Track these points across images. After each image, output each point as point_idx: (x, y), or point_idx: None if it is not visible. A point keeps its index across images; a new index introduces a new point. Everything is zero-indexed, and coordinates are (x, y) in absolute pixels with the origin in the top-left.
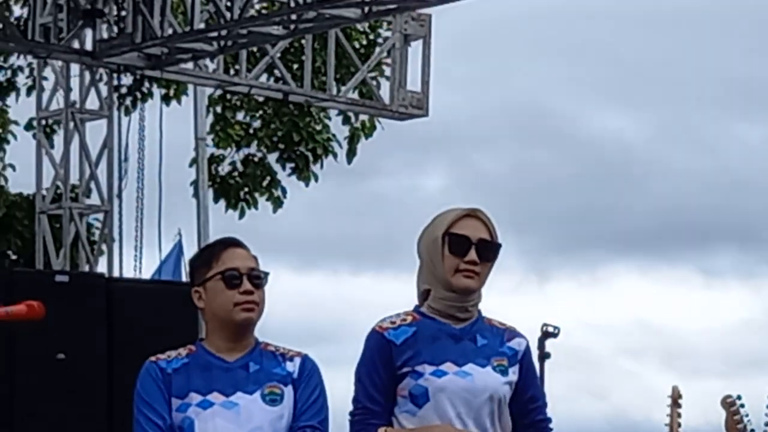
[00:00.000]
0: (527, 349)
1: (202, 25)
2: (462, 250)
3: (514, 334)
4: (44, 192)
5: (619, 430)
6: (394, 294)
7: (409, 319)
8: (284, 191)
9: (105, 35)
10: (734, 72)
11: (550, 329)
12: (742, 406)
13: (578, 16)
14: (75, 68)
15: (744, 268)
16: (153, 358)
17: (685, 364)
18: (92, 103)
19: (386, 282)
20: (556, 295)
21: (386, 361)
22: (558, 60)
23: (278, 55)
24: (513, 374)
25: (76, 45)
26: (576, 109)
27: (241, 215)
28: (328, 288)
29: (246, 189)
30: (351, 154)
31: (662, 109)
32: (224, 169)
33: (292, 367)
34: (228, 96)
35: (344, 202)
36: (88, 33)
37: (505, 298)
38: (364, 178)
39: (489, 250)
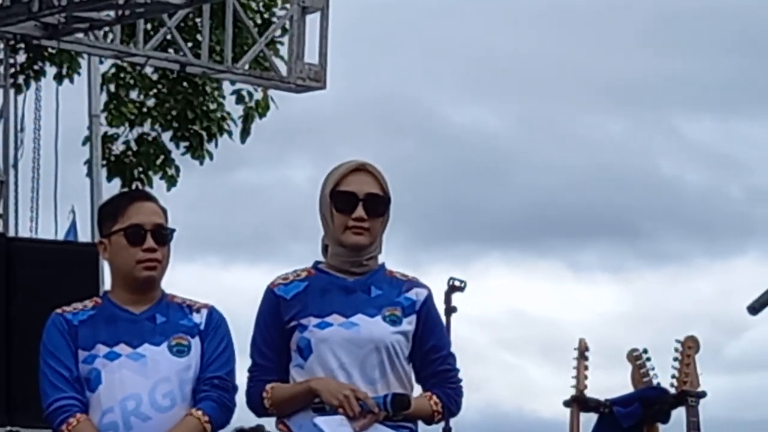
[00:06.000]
0: (427, 299)
1: None
2: (349, 207)
3: (413, 284)
4: None
5: (489, 420)
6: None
7: (304, 274)
8: (178, 170)
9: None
10: (597, 67)
11: (457, 283)
12: (648, 359)
13: (442, 10)
14: None
15: (612, 262)
16: (59, 310)
17: (563, 357)
18: None
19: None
20: (432, 288)
21: (275, 317)
22: (421, 53)
23: (175, 26)
24: (408, 324)
25: None
26: (439, 102)
27: None
28: (200, 280)
29: (140, 168)
30: (245, 133)
31: (526, 103)
32: (118, 148)
33: (199, 318)
34: (121, 74)
35: (210, 194)
36: None
37: None
38: (228, 171)
39: (377, 204)
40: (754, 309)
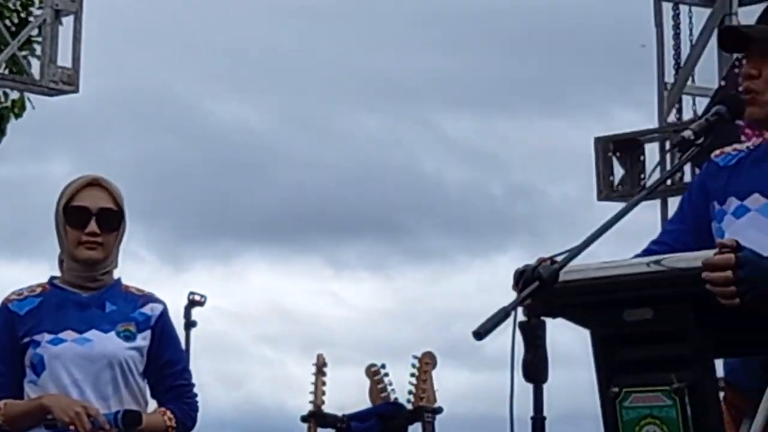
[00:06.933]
0: (162, 314)
1: None
2: (81, 222)
3: (149, 299)
4: None
5: (251, 418)
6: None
7: (39, 290)
8: None
9: None
10: (358, 64)
11: (197, 297)
12: (386, 375)
13: (200, 6)
14: None
15: (374, 259)
16: None
17: (325, 353)
18: None
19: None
20: (193, 284)
21: (9, 333)
22: (181, 50)
23: None
24: (143, 340)
25: None
26: (200, 99)
27: None
28: None
29: None
30: (0, 133)
31: (287, 99)
32: None
33: None
34: None
35: None
36: None
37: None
38: None
39: (111, 219)
40: (479, 335)
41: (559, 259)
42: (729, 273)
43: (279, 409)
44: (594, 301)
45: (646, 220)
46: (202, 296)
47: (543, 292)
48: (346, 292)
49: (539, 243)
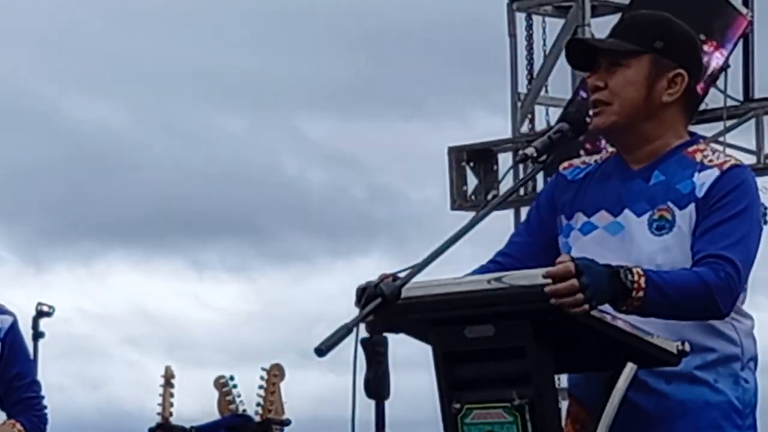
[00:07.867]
0: (12, 326)
1: None
2: None
3: None
4: None
5: (110, 419)
6: None
7: None
8: None
9: None
10: (219, 65)
11: (45, 308)
12: (235, 386)
13: (60, 3)
14: None
15: (235, 261)
16: None
17: (188, 355)
18: None
19: None
20: (55, 285)
21: None
22: (39, 48)
23: None
24: None
25: None
26: (59, 97)
27: None
28: None
29: None
30: None
31: (147, 100)
32: None
33: None
34: None
35: None
36: None
37: (1, 290)
38: None
39: None
40: (321, 351)
41: (402, 275)
42: (573, 281)
43: (139, 412)
44: (435, 317)
45: (502, 229)
46: (50, 307)
47: (385, 308)
48: (208, 294)
49: (401, 246)
